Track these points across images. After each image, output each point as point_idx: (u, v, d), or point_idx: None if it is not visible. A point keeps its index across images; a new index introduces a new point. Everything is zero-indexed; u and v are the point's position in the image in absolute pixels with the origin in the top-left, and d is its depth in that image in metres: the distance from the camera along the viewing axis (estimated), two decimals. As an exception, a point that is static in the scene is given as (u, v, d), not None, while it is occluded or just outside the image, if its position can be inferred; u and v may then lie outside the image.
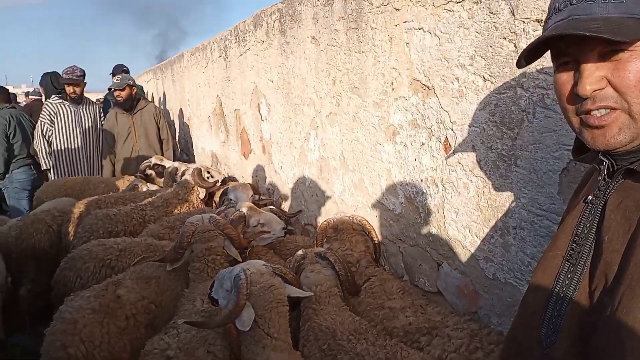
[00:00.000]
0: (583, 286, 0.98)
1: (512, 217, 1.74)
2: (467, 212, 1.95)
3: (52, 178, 5.34)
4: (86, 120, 5.47)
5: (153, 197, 3.94)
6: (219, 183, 4.23)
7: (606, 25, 0.87)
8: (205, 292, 2.12)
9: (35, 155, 5.46)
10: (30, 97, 8.17)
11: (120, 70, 7.09)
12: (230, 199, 3.49)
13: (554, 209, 1.57)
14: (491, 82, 1.76)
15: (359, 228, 2.58)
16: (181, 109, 7.40)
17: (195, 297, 2.19)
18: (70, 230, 3.57)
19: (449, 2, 1.89)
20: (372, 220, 2.60)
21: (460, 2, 1.84)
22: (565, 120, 1.04)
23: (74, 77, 5.23)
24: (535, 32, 1.55)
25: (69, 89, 5.29)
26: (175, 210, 3.86)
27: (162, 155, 5.42)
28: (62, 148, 5.35)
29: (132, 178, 4.88)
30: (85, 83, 5.46)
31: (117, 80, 5.28)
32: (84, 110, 5.47)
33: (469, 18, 1.82)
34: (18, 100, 11.61)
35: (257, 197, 3.70)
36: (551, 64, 1.04)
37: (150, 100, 8.22)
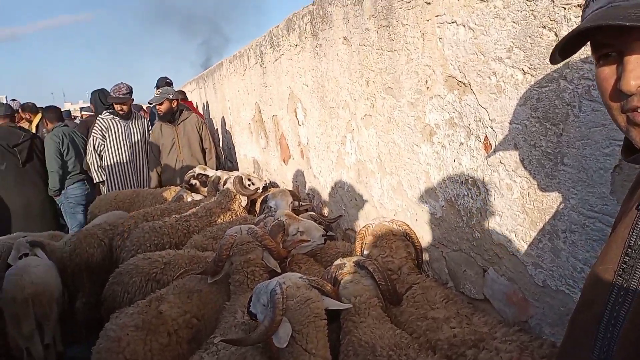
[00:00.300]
0: (637, 305, 0.87)
1: (561, 220, 1.60)
2: (511, 214, 1.82)
3: (105, 191, 5.57)
4: (135, 134, 5.68)
5: (197, 208, 4.02)
6: (260, 190, 4.25)
7: None
8: (245, 304, 2.11)
9: (88, 170, 5.70)
10: (83, 113, 8.58)
11: (163, 82, 7.30)
12: (270, 207, 3.48)
13: (606, 210, 1.43)
14: (531, 75, 1.63)
15: (399, 233, 2.49)
16: (223, 117, 7.52)
17: (237, 310, 2.18)
18: (119, 243, 3.69)
19: (480, -8, 1.77)
20: (413, 224, 2.50)
21: (492, -9, 1.72)
22: None
23: (120, 96, 5.44)
24: (577, 18, 1.41)
25: (117, 107, 5.51)
26: (219, 220, 3.91)
27: (206, 164, 5.51)
28: (113, 162, 5.57)
29: (179, 188, 5.01)
30: (133, 99, 5.66)
31: (156, 94, 5.43)
32: (133, 124, 5.68)
33: (504, 7, 1.70)
34: (75, 115, 12.21)
35: (297, 203, 3.68)
36: None
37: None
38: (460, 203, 2.13)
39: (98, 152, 5.54)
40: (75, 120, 9.51)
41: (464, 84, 1.97)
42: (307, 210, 3.85)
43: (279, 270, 2.41)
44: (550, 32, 1.53)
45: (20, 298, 3.14)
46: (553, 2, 1.50)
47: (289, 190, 3.72)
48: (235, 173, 4.39)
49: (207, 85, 8.49)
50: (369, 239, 2.50)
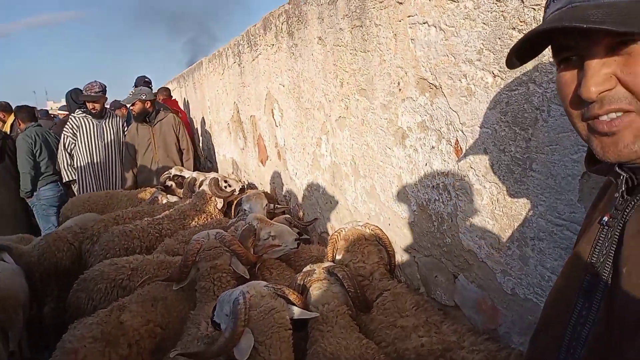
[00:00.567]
0: (599, 328, 0.81)
1: (530, 227, 1.56)
2: (481, 220, 1.78)
3: (76, 191, 5.41)
4: (108, 133, 5.50)
5: (170, 210, 3.91)
6: (237, 192, 4.17)
7: (611, 12, 0.70)
8: (210, 315, 2.03)
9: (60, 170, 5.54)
10: (59, 112, 8.38)
11: (142, 81, 7.16)
12: (245, 210, 3.40)
13: (574, 218, 1.39)
14: (501, 79, 1.59)
15: (371, 238, 2.43)
16: (203, 117, 7.41)
17: (200, 320, 2.10)
18: (88, 247, 3.57)
19: (451, -8, 1.72)
20: (386, 228, 2.45)
21: (462, -9, 1.67)
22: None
23: (92, 94, 5.27)
24: (545, 19, 1.37)
25: (90, 105, 5.34)
26: (193, 222, 3.81)
27: (182, 165, 5.41)
28: (85, 162, 5.40)
29: (154, 190, 4.89)
30: (106, 98, 5.51)
31: (129, 95, 5.31)
32: (106, 124, 5.51)
33: (474, 8, 1.65)
34: (55, 114, 11.91)
35: (272, 205, 3.61)
36: None
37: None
38: (431, 208, 2.08)
39: (69, 151, 5.37)
40: (55, 120, 9.28)
41: (435, 86, 1.92)
42: (283, 213, 3.78)
43: (248, 277, 2.33)
44: (520, 34, 1.48)
45: (-18, 304, 3.02)
46: (523, 2, 1.45)
47: (264, 193, 3.65)
48: (212, 174, 4.30)
49: (188, 85, 8.36)
50: (340, 244, 2.44)
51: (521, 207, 1.59)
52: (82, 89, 5.45)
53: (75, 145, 5.36)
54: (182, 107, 8.64)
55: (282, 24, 3.45)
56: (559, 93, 0.87)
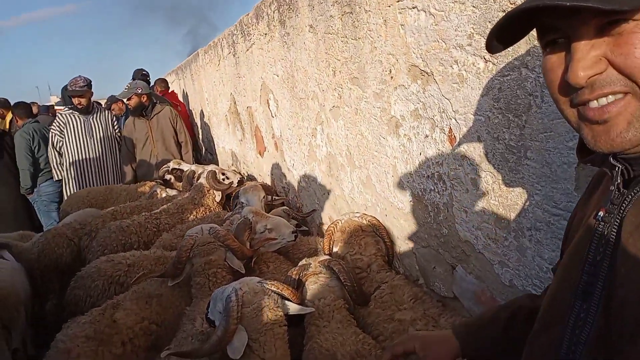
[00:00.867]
0: (598, 329, 0.77)
1: (526, 217, 1.51)
2: (477, 211, 1.73)
3: (65, 189, 5.34)
4: (97, 129, 5.35)
5: (168, 204, 3.89)
6: (235, 184, 4.13)
7: None
8: (205, 311, 2.01)
9: None
10: (57, 108, 8.34)
11: (139, 74, 7.12)
12: (242, 202, 3.37)
13: (571, 207, 1.33)
14: (493, 64, 1.53)
15: (368, 229, 2.41)
16: (202, 109, 7.35)
17: (196, 317, 2.07)
18: (86, 243, 3.56)
19: (440, -26, 1.66)
20: (383, 219, 2.41)
21: (452, -27, 1.60)
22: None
23: (77, 89, 5.13)
24: (537, 1, 1.31)
25: (75, 101, 5.21)
26: (191, 216, 3.79)
27: (181, 158, 5.37)
28: (73, 159, 5.28)
29: (153, 184, 4.87)
30: (92, 92, 5.36)
31: (124, 90, 5.26)
32: (94, 119, 5.36)
33: (465, -10, 1.59)
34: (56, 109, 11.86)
35: (270, 197, 3.57)
36: None
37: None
38: (427, 198, 2.04)
39: (57, 148, 5.27)
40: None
41: (426, 73, 1.86)
42: (282, 205, 3.75)
43: (243, 271, 2.30)
44: (511, 17, 1.42)
45: (-18, 303, 3.01)
46: (513, -17, 1.39)
47: (261, 185, 3.61)
48: (210, 167, 4.26)
49: (186, 76, 8.29)
50: (337, 236, 2.42)
51: (517, 196, 1.54)
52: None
53: (63, 142, 5.25)
54: (181, 99, 8.59)
55: (273, 12, 3.38)
56: (545, 78, 0.82)
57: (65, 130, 5.24)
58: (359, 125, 2.49)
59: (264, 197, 3.42)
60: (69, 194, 5.28)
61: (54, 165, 5.32)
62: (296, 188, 3.73)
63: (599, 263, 0.78)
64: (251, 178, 4.85)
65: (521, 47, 1.39)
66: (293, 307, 1.84)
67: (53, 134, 5.25)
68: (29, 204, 5.70)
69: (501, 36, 0.81)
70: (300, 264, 2.16)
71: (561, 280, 0.89)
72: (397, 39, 2.01)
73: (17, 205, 5.61)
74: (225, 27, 4.91)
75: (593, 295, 0.78)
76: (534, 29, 0.82)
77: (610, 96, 0.71)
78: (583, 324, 0.79)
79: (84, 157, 5.33)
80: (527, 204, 1.50)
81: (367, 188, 2.57)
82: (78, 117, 5.28)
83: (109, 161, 5.48)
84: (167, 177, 4.86)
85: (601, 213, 0.80)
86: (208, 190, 3.97)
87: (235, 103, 5.10)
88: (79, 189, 5.25)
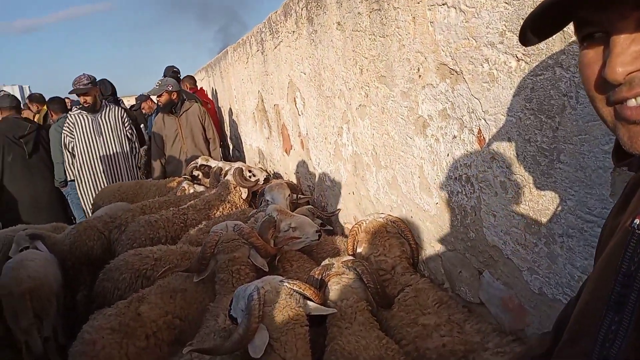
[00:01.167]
0: (630, 343, 0.72)
1: (558, 223, 1.45)
2: (506, 215, 1.68)
3: (78, 189, 5.38)
4: (106, 127, 5.33)
5: (195, 200, 3.93)
6: (261, 181, 4.14)
7: None
8: (227, 307, 2.01)
9: None
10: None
11: (170, 71, 7.22)
12: (267, 200, 3.37)
13: (606, 214, 1.27)
14: (525, 62, 1.47)
15: (393, 230, 2.37)
16: (230, 106, 7.42)
17: (219, 313, 2.09)
18: (116, 237, 3.64)
19: (471, -30, 1.61)
20: (408, 221, 2.37)
21: (484, -31, 1.55)
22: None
23: (81, 87, 5.09)
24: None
25: (81, 99, 5.20)
26: (217, 212, 3.82)
27: (210, 155, 5.43)
28: (84, 158, 5.30)
29: (182, 179, 4.94)
30: (97, 90, 5.35)
31: (156, 86, 5.33)
32: (102, 117, 5.32)
33: (497, -14, 1.53)
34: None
35: (295, 196, 3.56)
36: None
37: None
38: (454, 200, 1.99)
39: (70, 149, 5.27)
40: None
41: (456, 72, 1.81)
42: (307, 203, 3.75)
43: (267, 269, 2.31)
44: (546, 14, 1.36)
45: (17, 292, 3.10)
46: (549, -21, 1.33)
47: (287, 183, 3.61)
48: (237, 164, 4.29)
49: (215, 74, 8.38)
50: (361, 236, 2.39)
51: (548, 201, 1.48)
52: (110, 81, 5.51)
53: (74, 143, 5.26)
54: (210, 96, 8.70)
55: (301, 9, 3.37)
56: (581, 74, 0.77)
57: (74, 131, 5.23)
58: (386, 125, 2.46)
59: (289, 196, 3.42)
60: (82, 193, 5.35)
61: (66, 166, 5.34)
62: (321, 187, 3.71)
63: (633, 273, 0.74)
64: (277, 176, 4.87)
65: (556, 45, 1.33)
66: (315, 308, 1.82)
67: (64, 135, 5.25)
68: (64, 197, 5.87)
69: (535, 28, 0.76)
70: (323, 263, 2.14)
71: (593, 290, 0.84)
72: (425, 36, 1.96)
73: (52, 198, 5.77)
74: (254, 25, 4.93)
75: (626, 307, 0.74)
76: (571, 24, 0.78)
77: None
78: (614, 337, 0.75)
79: (94, 156, 5.30)
80: (559, 209, 1.44)
81: (392, 189, 2.53)
82: (86, 116, 5.26)
83: (120, 159, 5.41)
84: (195, 173, 4.91)
85: (637, 221, 0.76)
86: (234, 187, 4.00)
87: (262, 101, 5.12)
88: (92, 188, 5.30)
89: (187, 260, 2.73)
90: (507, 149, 1.62)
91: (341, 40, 2.79)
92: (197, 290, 2.36)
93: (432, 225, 2.21)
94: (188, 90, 7.17)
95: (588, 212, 1.34)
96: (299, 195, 3.67)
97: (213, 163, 4.87)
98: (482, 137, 1.74)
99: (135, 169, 5.61)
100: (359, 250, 2.37)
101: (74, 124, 5.26)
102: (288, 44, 3.81)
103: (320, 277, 2.05)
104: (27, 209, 5.48)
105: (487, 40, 1.60)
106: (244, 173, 4.10)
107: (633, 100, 0.68)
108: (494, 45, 1.58)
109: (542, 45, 1.39)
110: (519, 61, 1.50)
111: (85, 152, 5.31)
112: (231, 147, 7.88)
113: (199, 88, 8.02)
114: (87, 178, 5.36)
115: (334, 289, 1.99)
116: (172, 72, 7.16)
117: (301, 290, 1.82)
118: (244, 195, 4.02)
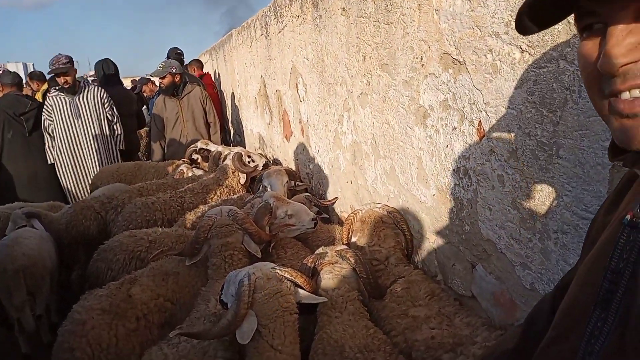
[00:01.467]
0: (613, 340, 0.71)
1: (554, 219, 1.43)
2: (502, 209, 1.65)
3: (58, 172, 5.33)
4: (84, 109, 5.21)
5: (193, 184, 3.92)
6: (260, 167, 4.12)
7: None
8: (219, 292, 2.00)
9: None
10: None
11: (173, 53, 7.17)
12: (265, 186, 3.35)
13: (603, 212, 1.25)
14: (529, 54, 1.44)
15: (389, 221, 2.34)
16: (233, 90, 7.37)
17: (210, 298, 2.08)
18: (112, 217, 3.63)
19: (478, -43, 1.56)
20: (404, 212, 2.35)
21: (491, -44, 1.51)
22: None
23: (61, 66, 4.96)
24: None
25: (61, 80, 5.10)
26: (215, 197, 3.81)
27: (210, 139, 5.40)
28: (63, 141, 5.22)
29: (181, 162, 4.92)
30: (76, 70, 5.27)
31: (159, 68, 5.29)
32: (81, 99, 5.19)
33: (505, -25, 1.49)
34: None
35: (292, 183, 3.54)
36: None
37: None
38: (451, 193, 1.96)
39: (50, 131, 5.19)
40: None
41: (459, 62, 1.78)
42: (306, 191, 3.73)
43: (259, 256, 2.29)
44: (552, 4, 1.32)
45: (11, 269, 3.10)
46: (557, -32, 1.29)
47: (285, 169, 3.58)
48: (237, 149, 4.27)
49: (219, 57, 8.32)
50: (356, 226, 2.36)
51: (545, 196, 1.46)
52: (112, 60, 5.45)
53: (52, 125, 5.18)
54: (214, 80, 8.64)
55: (307, -6, 3.32)
56: (579, 65, 0.75)
57: (53, 113, 5.13)
58: (386, 114, 2.42)
59: (287, 182, 3.40)
60: (62, 176, 5.32)
61: (46, 149, 5.26)
62: (320, 175, 3.69)
63: (621, 270, 0.73)
64: (277, 162, 4.84)
65: (561, 36, 1.30)
66: (305, 296, 1.81)
67: (44, 118, 5.17)
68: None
69: (534, 15, 0.74)
70: (316, 252, 2.12)
71: (582, 285, 0.83)
72: (430, 24, 1.92)
73: (51, 176, 5.75)
74: (261, 8, 4.87)
75: (612, 303, 0.73)
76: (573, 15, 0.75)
77: None
78: (599, 334, 0.74)
79: (73, 139, 5.22)
80: (556, 204, 1.42)
81: (390, 179, 2.51)
82: (64, 98, 5.15)
83: (99, 141, 5.32)
84: (195, 156, 4.89)
85: (628, 217, 0.74)
86: (233, 172, 3.97)
87: (265, 86, 5.08)
88: (72, 171, 5.27)
89: (182, 244, 2.71)
90: (506, 142, 1.59)
91: (345, 26, 2.75)
92: (190, 274, 2.35)
93: (428, 217, 2.19)
94: (195, 73, 7.12)
95: (584, 208, 1.31)
96: (297, 183, 3.65)
97: (213, 147, 4.85)
98: (482, 130, 1.72)
99: (116, 151, 5.49)
100: (353, 239, 2.35)
101: (51, 105, 5.14)
102: (292, 29, 3.76)
103: (312, 265, 2.04)
104: (25, 186, 5.46)
105: (492, 30, 1.57)
106: (243, 158, 4.07)
107: (627, 93, 0.66)
108: (499, 36, 1.54)
109: (547, 37, 1.36)
110: (523, 53, 1.46)
111: (64, 135, 5.20)
112: (232, 131, 7.84)
113: (205, 72, 7.97)
114: (67, 161, 5.29)
115: (326, 278, 1.98)
116: (175, 54, 7.11)
117: (292, 277, 1.81)
118: (242, 181, 4.00)
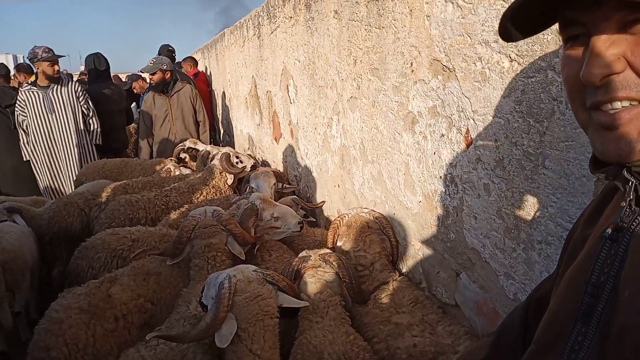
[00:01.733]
0: (593, 355, 0.70)
1: (538, 230, 1.42)
2: (487, 218, 1.65)
3: (34, 168, 5.20)
4: (59, 104, 5.07)
5: (179, 183, 3.87)
6: (248, 168, 4.09)
7: None
8: (200, 294, 1.97)
9: None
10: (82, 76, 8.42)
11: (165, 50, 7.12)
12: (252, 187, 3.32)
13: (587, 224, 1.24)
14: (518, 63, 1.43)
15: (375, 226, 2.33)
16: (223, 90, 7.33)
17: (191, 299, 2.04)
18: (95, 214, 3.57)
19: (470, -35, 1.56)
20: (390, 217, 2.34)
21: (483, -36, 1.50)
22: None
23: (51, 55, 4.90)
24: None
25: (54, 69, 5.02)
26: (201, 197, 3.76)
27: (199, 138, 5.36)
28: (37, 137, 5.10)
29: (168, 161, 4.87)
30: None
31: (149, 64, 5.23)
32: (54, 93, 5.07)
33: (496, -17, 1.49)
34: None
35: (280, 185, 3.52)
36: None
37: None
38: (437, 200, 1.95)
39: (24, 127, 5.05)
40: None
41: (448, 69, 1.77)
42: (293, 193, 3.70)
43: (243, 258, 2.26)
44: (542, 14, 1.32)
45: (-11, 264, 3.04)
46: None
47: (273, 171, 3.56)
48: (225, 149, 4.23)
49: (211, 56, 8.27)
50: (342, 230, 2.35)
51: (530, 206, 1.45)
52: (102, 54, 5.36)
53: (26, 121, 5.05)
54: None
55: (300, -5, 3.30)
56: (562, 75, 0.75)
57: (26, 108, 5.00)
58: (375, 119, 2.41)
59: (274, 184, 3.37)
60: (38, 173, 5.20)
61: (21, 145, 5.12)
62: (308, 178, 3.67)
63: (602, 284, 0.72)
64: (265, 163, 4.81)
65: (549, 46, 1.29)
66: (286, 300, 1.78)
67: (17, 113, 5.05)
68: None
69: (519, 22, 0.73)
70: (300, 255, 2.10)
71: (563, 300, 0.82)
72: (421, 30, 1.91)
73: (35, 171, 5.67)
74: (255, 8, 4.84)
75: (593, 318, 0.72)
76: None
77: (625, 101, 0.65)
78: (579, 349, 0.72)
79: (47, 134, 5.09)
80: (540, 215, 1.41)
81: (377, 184, 2.50)
82: (37, 92, 5.03)
83: (73, 137, 5.16)
84: (182, 155, 4.85)
85: (609, 230, 0.73)
86: (220, 172, 3.94)
87: (255, 86, 5.05)
88: (47, 168, 5.15)
89: (165, 243, 2.67)
90: (493, 151, 1.58)
91: (337, 29, 2.73)
92: (172, 275, 2.31)
93: (414, 224, 2.18)
94: (189, 72, 7.06)
95: (568, 220, 1.31)
96: (284, 185, 3.63)
97: (201, 146, 4.81)
98: (469, 137, 1.71)
99: (92, 146, 5.35)
100: (339, 244, 2.34)
101: (24, 100, 5.00)
102: (284, 30, 3.74)
103: (295, 268, 2.02)
104: (8, 180, 5.36)
105: (482, 38, 1.56)
106: (231, 159, 4.04)
107: (608, 105, 0.66)
108: (489, 44, 1.54)
109: (535, 46, 1.35)
110: (511, 62, 1.46)
111: (38, 131, 5.06)
112: (222, 131, 7.79)
113: (199, 70, 7.91)
114: (43, 158, 5.14)
115: (308, 282, 1.96)
116: (167, 51, 7.06)
117: (274, 281, 1.78)
118: (230, 181, 3.97)
